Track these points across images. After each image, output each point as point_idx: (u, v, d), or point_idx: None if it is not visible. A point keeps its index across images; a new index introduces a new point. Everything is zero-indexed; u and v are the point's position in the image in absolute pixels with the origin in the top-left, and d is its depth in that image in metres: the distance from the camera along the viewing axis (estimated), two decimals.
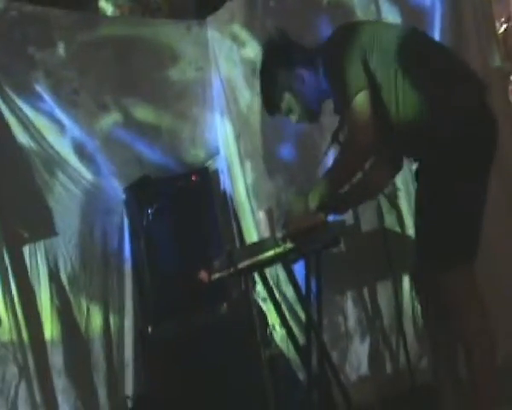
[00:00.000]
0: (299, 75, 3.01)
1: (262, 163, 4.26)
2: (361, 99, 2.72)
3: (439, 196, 2.74)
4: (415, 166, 3.02)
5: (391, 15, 3.93)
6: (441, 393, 2.98)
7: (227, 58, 4.44)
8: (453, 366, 2.92)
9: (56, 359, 3.85)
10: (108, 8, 5.18)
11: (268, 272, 3.54)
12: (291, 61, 3.01)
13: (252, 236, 4.25)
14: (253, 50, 4.29)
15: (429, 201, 2.81)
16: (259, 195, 4.26)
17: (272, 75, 3.06)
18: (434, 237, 2.78)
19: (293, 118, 3.12)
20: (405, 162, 3.48)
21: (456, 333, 2.80)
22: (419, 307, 3.79)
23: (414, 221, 3.03)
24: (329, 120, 3.36)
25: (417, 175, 2.95)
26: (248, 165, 4.33)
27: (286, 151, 4.24)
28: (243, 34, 4.37)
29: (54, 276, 3.92)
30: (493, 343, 2.73)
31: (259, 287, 3.92)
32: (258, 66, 3.18)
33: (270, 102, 3.13)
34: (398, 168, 3.26)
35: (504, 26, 5.14)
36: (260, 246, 3.15)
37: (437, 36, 3.76)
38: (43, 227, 3.95)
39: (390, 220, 3.84)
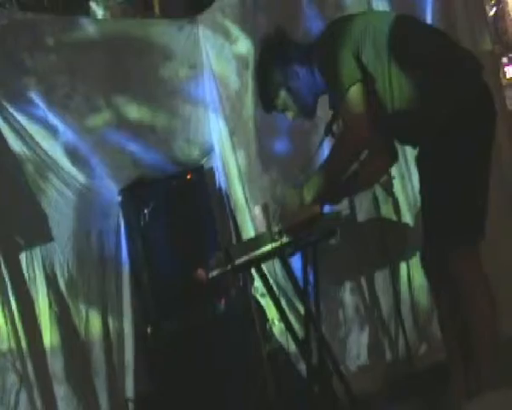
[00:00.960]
0: (294, 72, 3.02)
1: (256, 158, 4.23)
2: (355, 92, 2.74)
3: (440, 179, 2.76)
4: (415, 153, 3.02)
5: (381, 2, 3.91)
6: (452, 369, 2.99)
7: (219, 55, 4.43)
8: (462, 343, 2.91)
9: (56, 365, 3.81)
10: (99, 11, 5.18)
11: (265, 266, 3.54)
12: (286, 59, 3.03)
13: (248, 232, 4.23)
14: (244, 46, 4.27)
15: (430, 185, 2.84)
16: (255, 190, 4.25)
17: (268, 73, 3.08)
18: (437, 220, 2.81)
19: (290, 114, 3.14)
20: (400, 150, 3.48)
21: (463, 312, 2.81)
22: (416, 293, 3.84)
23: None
24: (323, 112, 3.35)
25: (418, 161, 2.95)
26: (243, 160, 4.31)
27: (280, 145, 4.23)
28: (235, 30, 4.35)
29: (51, 282, 3.89)
30: (497, 320, 2.76)
31: (257, 282, 3.91)
32: (251, 62, 3.19)
33: (267, 100, 3.15)
34: (394, 160, 3.26)
35: (494, 9, 5.15)
36: (257, 241, 3.15)
37: (428, 20, 3.74)
38: (39, 234, 3.92)
39: (386, 209, 3.82)
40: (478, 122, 2.71)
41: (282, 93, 3.05)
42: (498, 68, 4.18)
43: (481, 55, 3.64)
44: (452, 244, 2.75)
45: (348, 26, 2.88)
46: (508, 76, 5.08)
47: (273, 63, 3.05)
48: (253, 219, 4.10)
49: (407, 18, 3.01)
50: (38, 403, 3.68)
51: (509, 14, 5.04)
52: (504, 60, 5.13)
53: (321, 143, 3.47)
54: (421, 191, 2.92)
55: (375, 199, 3.72)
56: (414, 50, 2.77)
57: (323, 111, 3.33)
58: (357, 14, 3.13)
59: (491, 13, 5.05)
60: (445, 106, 2.69)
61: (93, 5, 5.15)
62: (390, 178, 3.66)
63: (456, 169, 2.71)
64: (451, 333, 2.97)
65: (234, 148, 4.32)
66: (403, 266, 3.94)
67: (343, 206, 3.76)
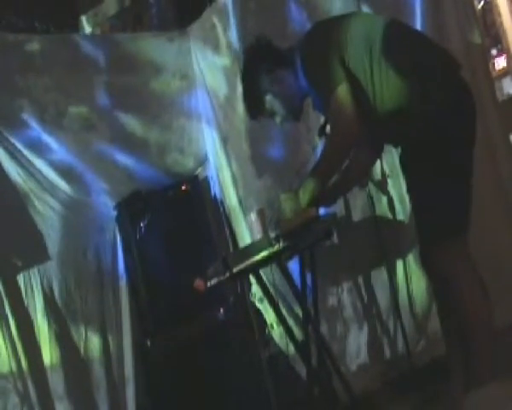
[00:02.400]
0: (278, 77, 3.01)
1: (250, 164, 4.25)
2: (342, 91, 2.72)
3: (423, 179, 2.74)
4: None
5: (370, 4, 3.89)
6: (451, 364, 2.97)
7: (210, 65, 4.45)
8: (460, 337, 2.89)
9: (57, 383, 3.81)
10: (89, 28, 5.20)
11: (263, 271, 3.53)
12: (269, 64, 3.02)
13: (245, 239, 4.22)
14: (234, 53, 4.27)
15: (413, 184, 2.83)
16: (249, 196, 4.26)
17: (252, 80, 3.07)
18: (421, 218, 2.79)
19: (277, 119, 3.12)
20: (393, 148, 3.46)
21: (458, 306, 2.79)
22: (414, 290, 3.82)
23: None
24: (315, 115, 3.35)
25: (400, 161, 2.94)
26: (236, 167, 4.32)
27: (274, 150, 4.21)
28: (225, 38, 4.36)
29: (49, 301, 3.89)
30: (491, 313, 2.72)
31: (255, 288, 3.90)
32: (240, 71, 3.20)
33: (253, 106, 3.14)
34: (380, 150, 3.25)
35: (482, 2, 5.16)
36: (254, 248, 3.11)
37: (417, 14, 3.72)
38: (36, 254, 3.92)
39: (381, 207, 3.81)
40: (457, 121, 2.70)
41: (268, 98, 3.04)
42: (488, 61, 4.16)
43: (471, 48, 3.65)
44: (436, 241, 2.74)
45: (332, 28, 2.88)
46: (497, 68, 5.08)
47: (257, 70, 3.04)
48: (248, 226, 4.09)
49: (390, 22, 3.00)
50: None
51: (497, 7, 5.04)
52: (493, 52, 5.13)
53: (315, 146, 3.45)
54: (408, 190, 2.92)
55: (370, 198, 3.70)
56: (396, 53, 2.76)
57: (316, 113, 3.32)
58: (342, 17, 3.12)
59: (480, 6, 5.06)
60: (424, 107, 2.68)
61: (83, 21, 5.16)
62: (385, 177, 3.65)
63: (437, 168, 2.70)
64: (449, 328, 2.95)
65: (227, 155, 4.33)
66: (399, 263, 3.91)
67: (339, 207, 3.74)
